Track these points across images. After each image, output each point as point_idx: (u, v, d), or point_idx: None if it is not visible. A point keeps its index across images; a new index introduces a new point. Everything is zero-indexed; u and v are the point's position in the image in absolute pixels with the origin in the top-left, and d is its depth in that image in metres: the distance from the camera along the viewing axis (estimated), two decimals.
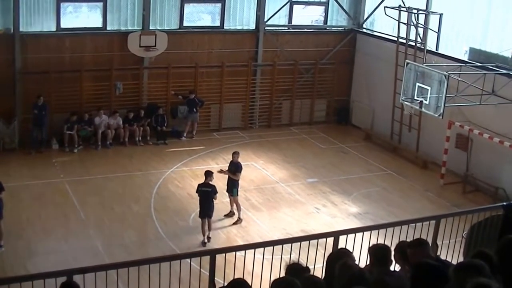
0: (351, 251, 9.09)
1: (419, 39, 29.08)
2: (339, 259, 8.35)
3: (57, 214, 22.06)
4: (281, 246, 11.66)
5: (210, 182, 20.64)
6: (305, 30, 33.81)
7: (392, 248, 9.04)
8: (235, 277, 8.07)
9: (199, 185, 20.98)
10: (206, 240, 20.54)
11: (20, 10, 28.23)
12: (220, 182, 22.02)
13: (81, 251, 19.34)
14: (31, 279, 9.65)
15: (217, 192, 20.69)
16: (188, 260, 11.75)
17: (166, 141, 29.61)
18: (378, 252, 8.64)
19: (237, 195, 21.88)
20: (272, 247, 11.37)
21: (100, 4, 29.77)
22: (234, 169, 21.82)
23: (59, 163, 27.06)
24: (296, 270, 8.32)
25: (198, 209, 20.83)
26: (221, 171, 22.11)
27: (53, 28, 29.20)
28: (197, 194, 20.86)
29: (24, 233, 20.27)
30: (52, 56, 28.78)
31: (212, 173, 20.97)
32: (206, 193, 20.56)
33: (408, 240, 9.80)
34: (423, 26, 29.04)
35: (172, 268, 10.67)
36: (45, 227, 21.08)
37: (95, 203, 23.05)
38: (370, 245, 9.69)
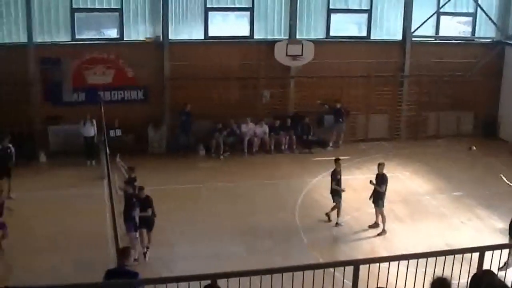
0: (498, 266, 8.85)
1: None
2: (484, 279, 8.13)
3: (202, 219, 22.49)
4: (425, 259, 11.46)
5: (338, 169, 22.14)
6: (452, 41, 33.17)
7: None
8: None
9: (333, 173, 22.38)
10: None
11: (169, 18, 29.09)
12: (365, 193, 21.96)
13: (224, 256, 19.57)
14: (176, 281, 9.80)
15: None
16: (332, 269, 11.72)
17: (312, 150, 29.74)
18: None
19: (383, 206, 21.68)
20: (416, 260, 11.19)
21: (247, 13, 30.24)
22: (380, 180, 21.63)
23: (205, 169, 27.63)
24: (441, 285, 8.16)
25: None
26: (371, 182, 21.96)
27: (201, 36, 29.92)
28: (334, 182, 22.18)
29: (169, 236, 20.73)
30: (200, 64, 29.43)
31: (339, 159, 22.41)
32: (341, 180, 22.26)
33: None
34: None
35: (316, 277, 10.66)
36: (190, 231, 21.52)
37: (240, 210, 23.34)
38: None
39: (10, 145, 24.43)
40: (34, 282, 16.75)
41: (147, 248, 19.34)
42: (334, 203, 22.24)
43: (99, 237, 20.06)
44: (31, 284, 15.14)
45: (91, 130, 27.94)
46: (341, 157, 23.32)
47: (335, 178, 22.33)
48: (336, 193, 22.30)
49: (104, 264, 16.24)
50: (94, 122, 27.52)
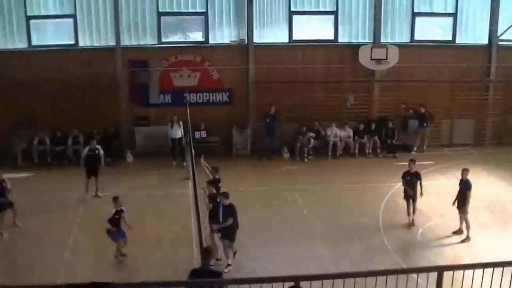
0: None
1: None
2: None
3: (285, 221, 22.55)
4: (511, 267, 11.32)
5: (411, 171, 22.16)
6: None
7: None
8: None
9: (404, 173, 22.40)
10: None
11: (254, 22, 29.38)
12: (449, 198, 21.73)
13: (307, 258, 19.57)
14: (259, 282, 9.93)
15: (421, 179, 22.08)
16: (415, 275, 11.71)
17: (396, 155, 29.61)
18: None
19: (467, 212, 21.42)
20: (501, 268, 11.07)
21: (332, 16, 30.28)
22: (464, 187, 21.36)
23: (289, 171, 27.79)
24: None
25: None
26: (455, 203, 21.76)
27: (286, 40, 30.10)
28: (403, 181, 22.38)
29: (254, 237, 20.82)
30: (284, 67, 29.64)
31: (412, 160, 22.55)
32: (411, 181, 22.14)
33: None
34: None
35: (399, 283, 10.67)
36: (273, 232, 21.59)
37: (323, 212, 23.37)
38: None
39: (99, 147, 25.00)
40: (125, 279, 17.20)
41: (234, 253, 19.25)
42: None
43: (184, 237, 20.41)
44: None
45: (178, 132, 28.42)
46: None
47: (405, 178, 22.43)
48: (404, 193, 22.44)
49: (189, 263, 16.55)
50: (181, 124, 27.94)
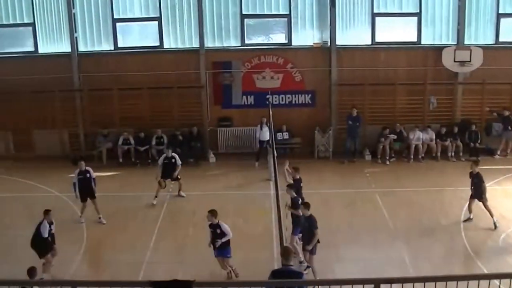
0: None
1: None
2: None
3: (367, 223, 22.59)
4: None
5: (473, 173, 22.11)
6: None
7: None
8: None
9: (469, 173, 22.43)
10: None
11: (337, 24, 29.38)
12: None
13: (387, 260, 19.54)
14: (339, 284, 9.99)
15: (482, 181, 21.89)
16: (497, 281, 11.60)
17: (479, 158, 29.16)
18: None
19: None
20: None
21: (415, 18, 30.08)
22: None
23: (370, 173, 27.75)
24: None
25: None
26: None
27: (368, 42, 30.06)
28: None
29: (334, 239, 20.85)
30: (367, 69, 29.63)
31: (472, 162, 22.27)
32: (473, 182, 22.13)
33: None
34: None
35: None
36: (355, 234, 21.66)
37: (404, 215, 23.26)
38: None
39: (176, 156, 25.18)
40: (206, 278, 17.48)
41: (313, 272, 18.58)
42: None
43: (265, 238, 20.60)
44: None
45: (267, 134, 28.49)
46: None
47: (470, 179, 22.38)
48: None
49: (270, 263, 16.71)
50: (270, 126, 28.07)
